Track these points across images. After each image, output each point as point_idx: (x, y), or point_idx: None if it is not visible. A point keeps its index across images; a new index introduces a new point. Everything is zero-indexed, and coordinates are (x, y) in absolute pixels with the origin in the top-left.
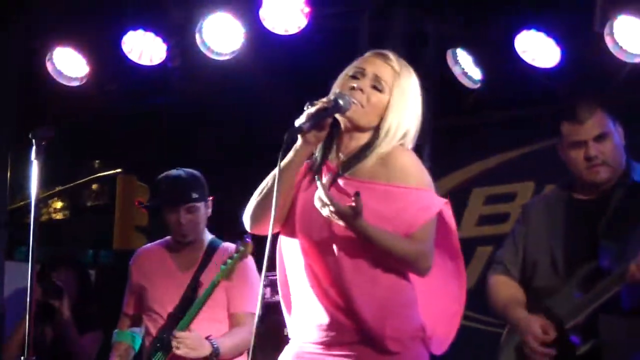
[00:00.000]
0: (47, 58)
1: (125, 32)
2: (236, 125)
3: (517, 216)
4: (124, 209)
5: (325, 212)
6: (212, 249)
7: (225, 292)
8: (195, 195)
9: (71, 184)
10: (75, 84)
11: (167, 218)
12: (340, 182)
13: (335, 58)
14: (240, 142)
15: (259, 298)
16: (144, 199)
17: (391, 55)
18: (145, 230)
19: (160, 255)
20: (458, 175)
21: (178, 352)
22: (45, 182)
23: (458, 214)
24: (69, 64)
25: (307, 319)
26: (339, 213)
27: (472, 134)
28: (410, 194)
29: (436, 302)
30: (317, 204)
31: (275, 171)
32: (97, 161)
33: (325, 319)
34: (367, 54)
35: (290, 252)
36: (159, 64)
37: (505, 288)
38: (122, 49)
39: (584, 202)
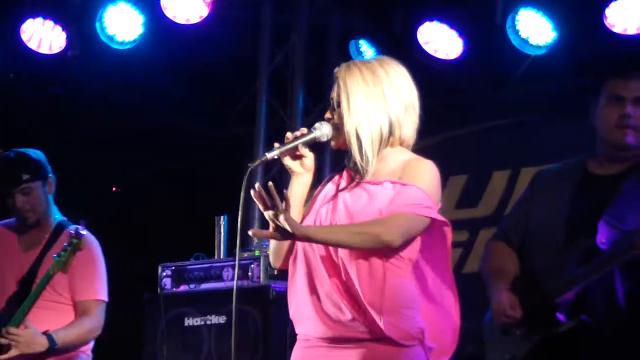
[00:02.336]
0: None
1: (24, 20)
2: (137, 115)
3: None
4: None
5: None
6: (59, 229)
7: (67, 279)
8: (26, 176)
9: None
10: None
11: (6, 203)
12: (359, 185)
13: (238, 48)
14: (140, 131)
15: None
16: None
17: (342, 66)
18: None
19: (5, 235)
20: None
21: (10, 352)
22: None
23: None
24: None
25: (315, 315)
26: (278, 236)
27: None
28: (411, 189)
29: (441, 313)
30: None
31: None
32: None
33: (335, 315)
34: None
35: (303, 254)
36: (59, 53)
37: (498, 255)
38: (20, 37)
39: (598, 178)
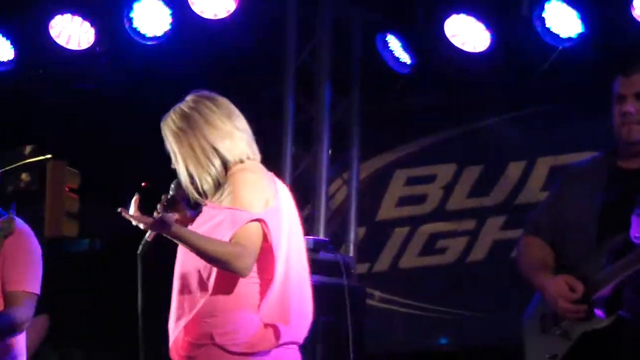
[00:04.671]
0: None
1: (53, 16)
2: (164, 110)
3: (438, 197)
4: (54, 195)
5: (142, 226)
6: None
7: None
8: None
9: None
10: (2, 68)
11: None
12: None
13: (264, 43)
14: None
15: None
16: (75, 184)
17: (163, 118)
18: (76, 216)
19: None
20: (383, 157)
21: None
22: None
23: (380, 196)
24: None
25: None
26: (153, 226)
27: (399, 117)
28: (222, 214)
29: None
30: (133, 222)
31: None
32: (27, 147)
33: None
34: None
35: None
36: (87, 49)
37: (534, 251)
38: (49, 33)
39: (626, 171)
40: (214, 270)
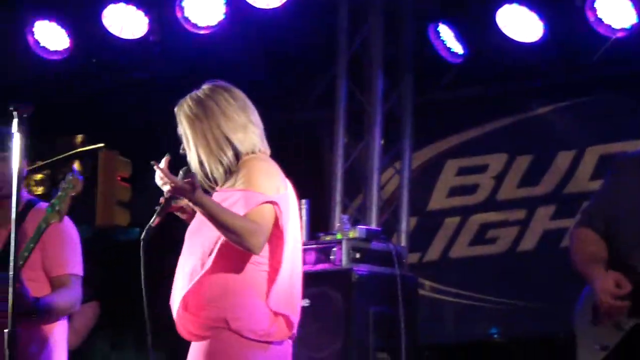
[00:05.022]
0: (27, 31)
1: (106, 5)
2: None
3: (489, 187)
4: (106, 184)
5: (166, 188)
6: (29, 206)
7: (40, 254)
8: (11, 145)
9: (52, 159)
10: (56, 57)
11: None
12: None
13: (316, 33)
14: None
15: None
16: (127, 174)
17: (178, 104)
18: (127, 205)
19: None
20: (435, 147)
21: None
22: (27, 156)
23: (431, 186)
24: (49, 37)
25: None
26: (178, 188)
27: (450, 107)
28: (237, 194)
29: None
30: (159, 182)
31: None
32: (79, 136)
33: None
34: None
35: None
36: (140, 38)
37: (586, 243)
38: (102, 23)
39: None
40: (217, 246)
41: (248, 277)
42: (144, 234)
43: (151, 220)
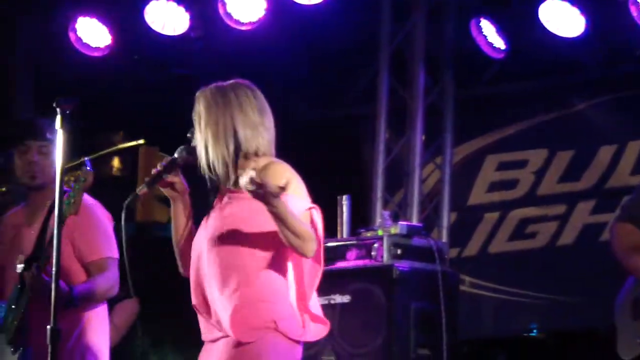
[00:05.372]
0: (69, 28)
1: (148, 2)
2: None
3: (529, 182)
4: None
5: (252, 188)
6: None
7: (71, 243)
8: (49, 136)
9: (93, 155)
10: (98, 54)
11: (15, 161)
12: (227, 196)
13: (358, 28)
14: None
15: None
16: None
17: (200, 90)
18: (167, 201)
19: (13, 219)
20: (475, 142)
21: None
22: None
23: (471, 181)
24: (91, 33)
25: (199, 321)
26: (269, 193)
27: (491, 102)
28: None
29: (309, 300)
30: (249, 187)
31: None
32: (119, 132)
33: (201, 321)
34: None
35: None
36: (182, 34)
37: (626, 236)
38: (144, 19)
39: None
40: (270, 247)
41: (289, 279)
42: (128, 200)
43: (138, 189)
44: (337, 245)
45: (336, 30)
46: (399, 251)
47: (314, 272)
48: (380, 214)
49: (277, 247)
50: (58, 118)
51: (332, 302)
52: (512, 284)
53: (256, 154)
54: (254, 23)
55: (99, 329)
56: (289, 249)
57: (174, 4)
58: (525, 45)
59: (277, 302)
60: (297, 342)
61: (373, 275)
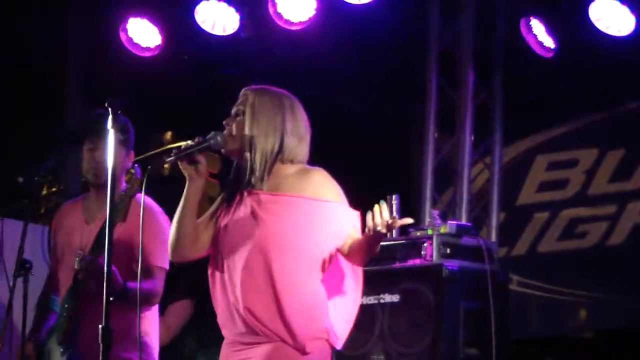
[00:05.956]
0: (120, 28)
1: (198, 2)
2: (306, 95)
3: (579, 182)
4: None
5: (384, 230)
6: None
7: (130, 247)
8: (118, 135)
9: (143, 155)
10: (148, 54)
11: (83, 156)
12: (262, 197)
13: (407, 27)
14: (309, 111)
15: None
16: (215, 169)
17: (253, 86)
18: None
19: (71, 210)
20: (525, 142)
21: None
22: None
23: (520, 181)
24: (142, 34)
25: (233, 323)
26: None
27: (541, 103)
28: (333, 207)
29: (343, 306)
30: (383, 227)
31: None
32: (169, 132)
33: (247, 323)
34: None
35: (224, 265)
36: (232, 34)
37: None
38: (195, 19)
39: None
40: (319, 259)
41: (327, 285)
42: (149, 168)
43: (168, 158)
44: (386, 245)
45: (385, 29)
46: (448, 250)
47: (357, 277)
48: (430, 213)
49: (321, 255)
50: (109, 118)
51: (382, 301)
52: (561, 283)
53: (291, 162)
54: (304, 23)
55: (149, 330)
56: (329, 258)
57: (225, 4)
58: (575, 45)
59: (324, 311)
60: (333, 351)
61: (422, 275)
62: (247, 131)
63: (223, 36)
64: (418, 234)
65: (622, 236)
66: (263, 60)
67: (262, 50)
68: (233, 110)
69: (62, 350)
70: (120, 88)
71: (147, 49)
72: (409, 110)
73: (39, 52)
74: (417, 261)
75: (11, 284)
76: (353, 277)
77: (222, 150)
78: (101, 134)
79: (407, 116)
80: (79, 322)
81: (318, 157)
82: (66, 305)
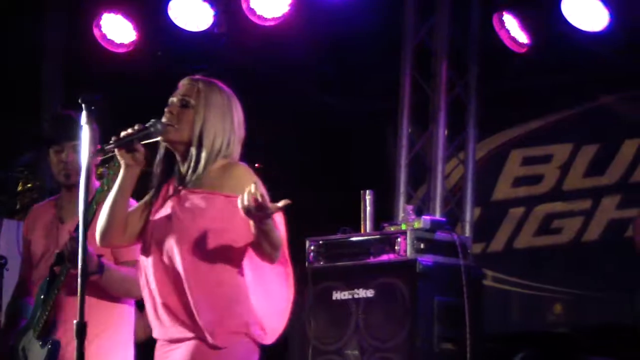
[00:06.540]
0: (94, 24)
1: None
2: (280, 90)
3: (554, 177)
4: None
5: (253, 209)
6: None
7: None
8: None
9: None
10: (123, 50)
11: (50, 158)
12: (182, 193)
13: (382, 23)
14: (283, 107)
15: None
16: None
17: (199, 77)
18: None
19: (45, 211)
20: (499, 137)
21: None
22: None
23: (495, 176)
24: (116, 30)
25: (157, 320)
26: (268, 210)
27: (515, 97)
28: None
29: (270, 301)
30: (251, 204)
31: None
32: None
33: (168, 319)
34: (180, 82)
35: (145, 261)
36: (206, 30)
37: None
38: (168, 15)
39: None
40: (241, 253)
41: (248, 282)
42: (91, 155)
43: (106, 145)
44: (360, 240)
45: (360, 24)
46: (422, 245)
47: (281, 272)
48: (404, 209)
49: (234, 251)
50: (83, 114)
51: (356, 296)
52: (537, 279)
53: (224, 157)
54: (278, 18)
55: (124, 325)
56: (243, 253)
57: (199, 0)
58: (548, 40)
59: (242, 305)
60: (261, 347)
61: (397, 270)
62: (197, 127)
63: (197, 32)
64: (392, 229)
65: (597, 231)
66: (237, 56)
67: (236, 46)
68: (176, 99)
69: (40, 343)
70: (96, 84)
71: (122, 44)
72: (383, 105)
73: (16, 47)
74: (392, 256)
75: None
76: (278, 273)
77: (160, 139)
78: (65, 136)
79: (382, 111)
80: (57, 315)
81: (294, 154)
82: (43, 298)
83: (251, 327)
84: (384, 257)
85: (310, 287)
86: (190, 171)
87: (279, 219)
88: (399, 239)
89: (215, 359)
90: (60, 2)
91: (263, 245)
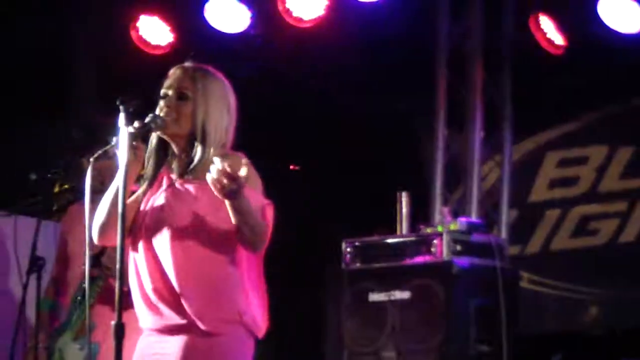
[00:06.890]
0: (131, 26)
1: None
2: (316, 93)
3: (590, 179)
4: None
5: (225, 181)
6: None
7: None
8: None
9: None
10: (159, 52)
11: (85, 165)
12: (178, 184)
13: (416, 24)
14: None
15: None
16: None
17: (190, 64)
18: None
19: (80, 212)
20: (535, 139)
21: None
22: None
23: (531, 178)
24: (153, 32)
25: (146, 308)
26: (238, 183)
27: (551, 99)
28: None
29: (259, 294)
30: (220, 178)
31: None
32: None
33: (159, 305)
34: (170, 71)
35: (135, 250)
36: (242, 32)
37: None
38: (204, 16)
39: None
40: (234, 243)
41: (242, 273)
42: (97, 153)
43: (109, 146)
44: (396, 242)
45: (395, 25)
46: (458, 247)
47: (259, 266)
48: (440, 211)
49: (223, 241)
50: (121, 117)
51: (392, 298)
52: (573, 281)
53: (222, 147)
54: (314, 20)
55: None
56: (233, 243)
57: (235, 1)
58: (584, 41)
59: (235, 293)
60: (255, 337)
61: (432, 272)
62: (198, 120)
63: (233, 34)
64: (428, 231)
65: (633, 233)
66: (273, 57)
67: (272, 48)
68: (172, 91)
69: (79, 346)
70: (132, 86)
71: (158, 46)
72: (419, 107)
73: (52, 51)
74: (427, 258)
75: (24, 280)
76: (260, 265)
77: (159, 133)
78: (99, 142)
79: (417, 113)
80: (94, 318)
81: (329, 155)
82: (79, 300)
83: (244, 316)
84: (420, 259)
85: (346, 288)
86: (188, 162)
87: (269, 213)
88: (435, 241)
89: (207, 346)
90: (97, 4)
91: (243, 229)
